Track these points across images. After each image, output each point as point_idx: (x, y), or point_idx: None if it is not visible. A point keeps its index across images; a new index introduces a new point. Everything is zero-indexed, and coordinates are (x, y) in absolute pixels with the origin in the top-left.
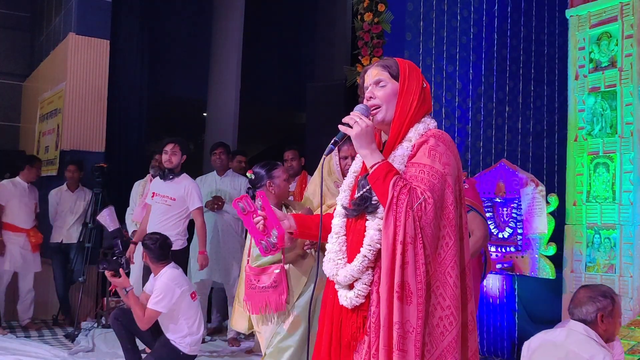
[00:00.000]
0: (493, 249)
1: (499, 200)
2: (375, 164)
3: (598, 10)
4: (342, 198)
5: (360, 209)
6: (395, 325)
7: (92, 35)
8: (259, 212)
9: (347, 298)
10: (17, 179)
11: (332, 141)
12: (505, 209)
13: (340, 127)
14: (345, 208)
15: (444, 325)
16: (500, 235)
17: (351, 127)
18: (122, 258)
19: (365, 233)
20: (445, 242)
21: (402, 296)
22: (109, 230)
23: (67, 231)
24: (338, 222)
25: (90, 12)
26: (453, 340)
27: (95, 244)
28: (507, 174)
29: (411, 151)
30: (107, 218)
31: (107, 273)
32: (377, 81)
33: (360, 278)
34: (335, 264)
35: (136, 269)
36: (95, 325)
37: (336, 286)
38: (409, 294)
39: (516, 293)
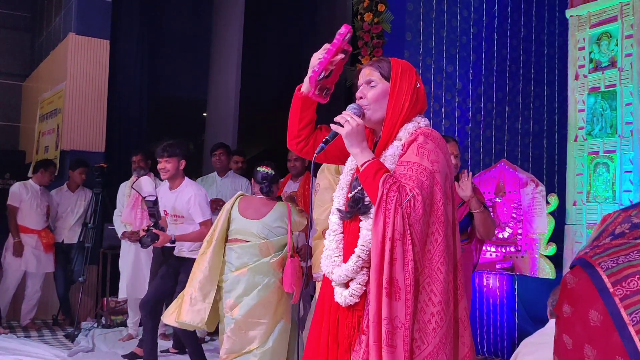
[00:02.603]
0: (493, 249)
1: (499, 200)
2: (365, 162)
3: (598, 10)
4: (339, 196)
5: (353, 210)
6: (384, 321)
7: (92, 35)
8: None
9: (342, 296)
10: (30, 181)
11: (324, 140)
12: (505, 209)
13: (331, 125)
14: (339, 210)
15: (436, 321)
16: (500, 235)
17: (342, 126)
18: (158, 224)
19: (359, 233)
20: (435, 239)
21: (391, 292)
22: (143, 197)
23: (68, 231)
24: (335, 220)
25: (90, 12)
26: (444, 336)
27: (95, 244)
28: (507, 174)
29: (401, 150)
30: (143, 186)
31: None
32: (367, 81)
33: (355, 278)
34: (331, 261)
35: (128, 267)
36: (95, 325)
37: (332, 283)
38: (397, 290)
39: (516, 293)
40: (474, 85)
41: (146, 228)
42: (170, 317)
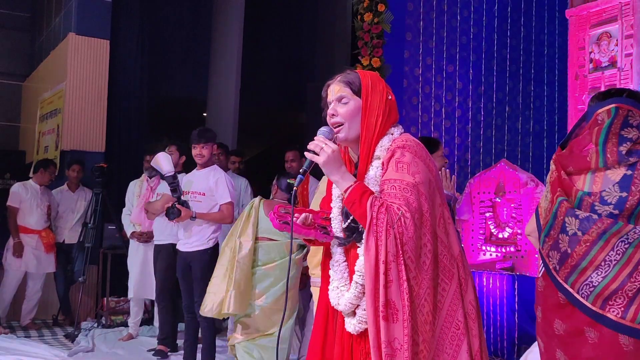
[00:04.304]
0: (493, 249)
1: (499, 200)
2: (348, 188)
3: (598, 11)
4: (335, 225)
5: (350, 239)
6: (382, 344)
7: (92, 35)
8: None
9: (351, 325)
10: (30, 181)
11: (301, 170)
12: (505, 209)
13: (307, 154)
14: (337, 238)
15: (447, 326)
16: (500, 235)
17: (318, 154)
18: (181, 200)
19: (357, 261)
20: (429, 250)
21: (387, 315)
22: (163, 174)
23: (68, 231)
24: (337, 250)
25: (90, 12)
26: (453, 339)
27: (95, 244)
28: (507, 173)
29: (382, 170)
30: (162, 162)
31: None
32: (339, 98)
33: (359, 304)
34: (338, 292)
35: (136, 267)
36: (95, 325)
37: (342, 312)
38: (394, 312)
39: (516, 293)
40: (474, 85)
41: (171, 204)
42: (213, 310)
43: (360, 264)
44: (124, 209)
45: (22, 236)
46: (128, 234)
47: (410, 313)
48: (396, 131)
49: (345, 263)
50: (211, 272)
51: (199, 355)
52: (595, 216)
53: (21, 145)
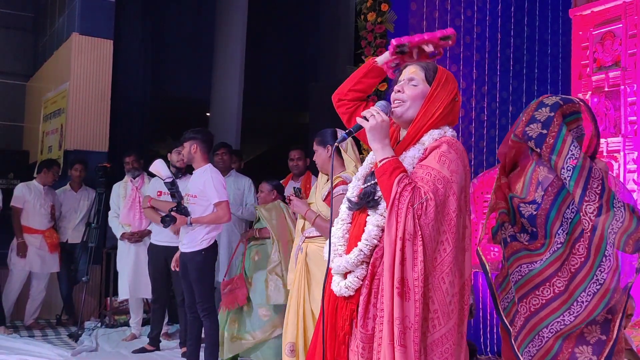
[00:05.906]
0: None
1: None
2: (384, 159)
3: (602, 10)
4: (354, 186)
5: (362, 203)
6: (395, 321)
7: (96, 35)
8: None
9: (338, 285)
10: (34, 182)
11: (347, 131)
12: None
13: (357, 118)
14: (349, 200)
15: (427, 327)
16: None
17: (367, 120)
18: (181, 206)
19: (365, 228)
20: (444, 248)
21: (402, 292)
22: (162, 179)
23: (71, 231)
24: (345, 209)
25: (93, 12)
26: (433, 343)
27: (98, 243)
28: None
29: (422, 154)
30: (159, 169)
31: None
32: (410, 78)
33: (353, 271)
34: (334, 248)
35: (128, 268)
36: (99, 325)
37: (332, 271)
38: (407, 290)
39: None
40: (478, 85)
41: (170, 209)
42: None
43: (370, 233)
44: (109, 212)
45: (26, 236)
46: (117, 236)
47: (422, 295)
48: (449, 132)
49: (349, 225)
50: (207, 272)
51: (202, 355)
52: (511, 241)
53: (25, 145)
